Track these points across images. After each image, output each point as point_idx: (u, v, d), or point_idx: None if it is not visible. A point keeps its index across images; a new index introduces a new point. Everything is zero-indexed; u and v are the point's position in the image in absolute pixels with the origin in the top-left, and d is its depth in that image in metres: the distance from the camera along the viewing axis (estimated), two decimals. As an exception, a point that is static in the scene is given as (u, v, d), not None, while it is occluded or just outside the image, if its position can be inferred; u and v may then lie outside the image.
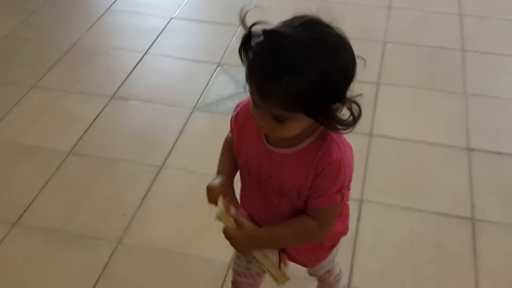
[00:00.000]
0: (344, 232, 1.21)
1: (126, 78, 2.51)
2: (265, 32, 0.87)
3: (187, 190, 1.95)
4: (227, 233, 1.05)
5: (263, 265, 1.11)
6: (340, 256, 1.44)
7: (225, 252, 1.61)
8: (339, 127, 0.94)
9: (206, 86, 2.46)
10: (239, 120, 1.09)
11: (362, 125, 2.27)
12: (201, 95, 2.40)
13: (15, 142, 2.15)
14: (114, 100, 2.38)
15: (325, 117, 0.92)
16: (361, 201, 1.90)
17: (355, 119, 0.96)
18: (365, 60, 0.96)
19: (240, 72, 2.55)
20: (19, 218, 1.83)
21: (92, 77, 2.54)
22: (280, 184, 1.05)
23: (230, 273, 1.45)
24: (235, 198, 1.12)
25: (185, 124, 2.25)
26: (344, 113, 0.95)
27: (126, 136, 2.20)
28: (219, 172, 1.14)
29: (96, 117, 2.28)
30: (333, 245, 1.24)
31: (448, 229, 1.83)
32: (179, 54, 2.70)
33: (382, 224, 1.85)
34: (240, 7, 0.95)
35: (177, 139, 2.16)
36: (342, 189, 1.01)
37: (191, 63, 2.64)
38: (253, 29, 0.88)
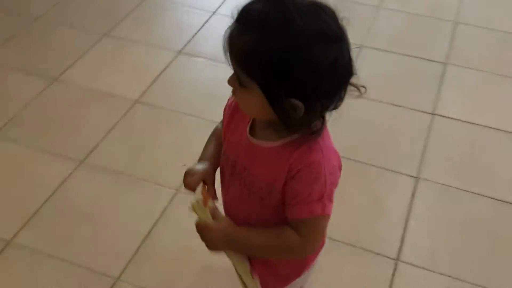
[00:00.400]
0: (304, 266, 1.08)
1: (194, 35, 2.55)
2: None
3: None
4: (199, 225, 0.95)
5: (235, 267, 1.02)
6: (391, 229, 1.44)
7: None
8: (289, 124, 0.86)
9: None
10: (232, 106, 1.02)
11: (425, 103, 2.27)
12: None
13: (87, 86, 2.25)
14: (181, 56, 2.43)
15: (278, 106, 0.84)
16: (417, 179, 1.90)
17: (310, 130, 0.88)
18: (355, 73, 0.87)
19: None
20: (86, 157, 1.93)
21: (161, 31, 2.61)
22: (251, 179, 0.96)
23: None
24: (214, 189, 1.03)
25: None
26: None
27: (190, 91, 2.26)
28: (201, 159, 1.07)
29: (163, 70, 2.35)
30: (290, 277, 1.09)
31: (503, 215, 1.81)
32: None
33: (436, 203, 1.84)
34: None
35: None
36: (323, 198, 0.89)
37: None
38: None
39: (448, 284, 1.61)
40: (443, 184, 1.89)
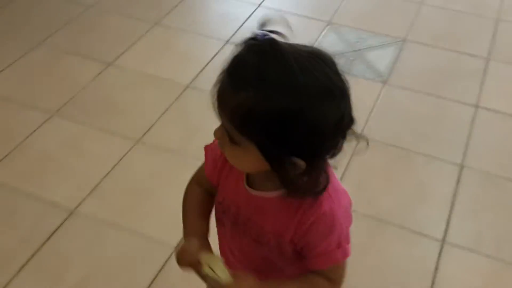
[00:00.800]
0: None
1: (240, 26, 2.64)
2: (265, 36, 0.74)
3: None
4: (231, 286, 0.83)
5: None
6: (437, 212, 1.48)
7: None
8: (292, 186, 0.79)
9: (314, 43, 2.54)
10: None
11: (468, 96, 2.31)
12: (310, 50, 2.50)
13: (140, 71, 2.35)
14: (228, 45, 2.52)
15: (278, 166, 0.77)
16: (461, 166, 1.95)
17: (314, 191, 0.80)
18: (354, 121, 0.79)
19: (349, 32, 2.62)
20: (142, 136, 2.03)
21: (209, 22, 2.70)
22: (257, 230, 0.89)
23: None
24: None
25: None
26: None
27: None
28: (188, 234, 0.94)
29: (212, 58, 2.43)
30: None
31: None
32: (290, 9, 2.80)
33: (481, 189, 1.89)
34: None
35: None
36: (341, 244, 0.85)
37: (301, 18, 2.73)
38: (260, 31, 0.75)
39: (493, 266, 1.66)
40: (487, 172, 1.94)
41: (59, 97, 2.17)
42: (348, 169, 1.88)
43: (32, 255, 1.62)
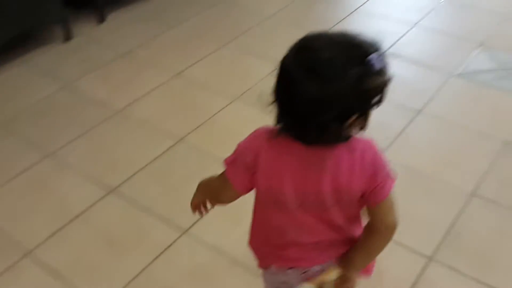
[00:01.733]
0: None
1: (399, 39, 2.94)
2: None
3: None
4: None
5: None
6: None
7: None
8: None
9: (465, 60, 2.76)
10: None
11: None
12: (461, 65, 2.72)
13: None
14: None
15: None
16: None
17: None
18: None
19: (499, 53, 2.80)
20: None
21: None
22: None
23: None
24: None
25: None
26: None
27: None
28: None
29: None
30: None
31: None
32: (445, 30, 3.05)
33: None
34: None
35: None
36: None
37: (456, 39, 2.96)
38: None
39: None
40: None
41: (241, 86, 2.64)
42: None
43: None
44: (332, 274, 1.19)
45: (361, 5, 3.31)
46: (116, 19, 3.22)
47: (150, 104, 2.57)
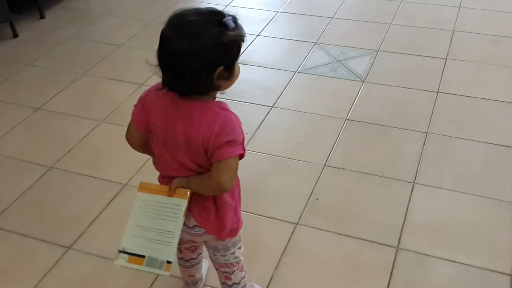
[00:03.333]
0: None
1: (247, 47, 3.24)
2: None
3: (291, 127, 2.61)
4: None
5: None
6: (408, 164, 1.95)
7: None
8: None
9: (304, 59, 3.13)
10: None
11: (430, 84, 2.85)
12: (301, 63, 3.09)
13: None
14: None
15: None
16: (426, 133, 2.47)
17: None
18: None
19: (331, 48, 3.21)
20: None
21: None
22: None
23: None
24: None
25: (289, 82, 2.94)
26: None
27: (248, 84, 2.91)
28: None
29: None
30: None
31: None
32: (285, 35, 3.41)
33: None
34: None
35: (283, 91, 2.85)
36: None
37: (294, 42, 3.34)
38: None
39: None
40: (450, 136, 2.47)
41: (104, 109, 2.74)
42: (338, 142, 2.42)
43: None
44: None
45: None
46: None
47: (14, 140, 2.57)
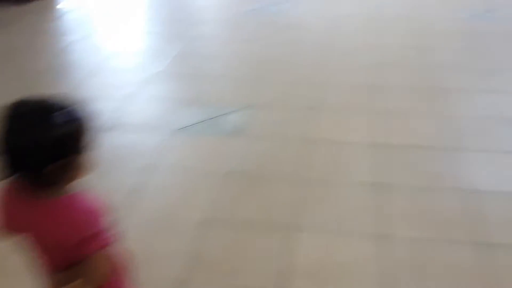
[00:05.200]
0: None
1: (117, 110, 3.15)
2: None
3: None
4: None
5: None
6: None
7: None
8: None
9: (181, 117, 3.12)
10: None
11: (305, 133, 2.93)
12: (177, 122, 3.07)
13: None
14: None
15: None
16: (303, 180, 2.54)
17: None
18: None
19: (206, 107, 3.23)
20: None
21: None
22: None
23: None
24: None
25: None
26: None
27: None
28: None
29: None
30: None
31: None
32: (161, 96, 3.39)
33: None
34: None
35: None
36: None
37: (170, 102, 3.33)
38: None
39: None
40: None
41: None
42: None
43: None
44: None
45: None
46: None
47: None
